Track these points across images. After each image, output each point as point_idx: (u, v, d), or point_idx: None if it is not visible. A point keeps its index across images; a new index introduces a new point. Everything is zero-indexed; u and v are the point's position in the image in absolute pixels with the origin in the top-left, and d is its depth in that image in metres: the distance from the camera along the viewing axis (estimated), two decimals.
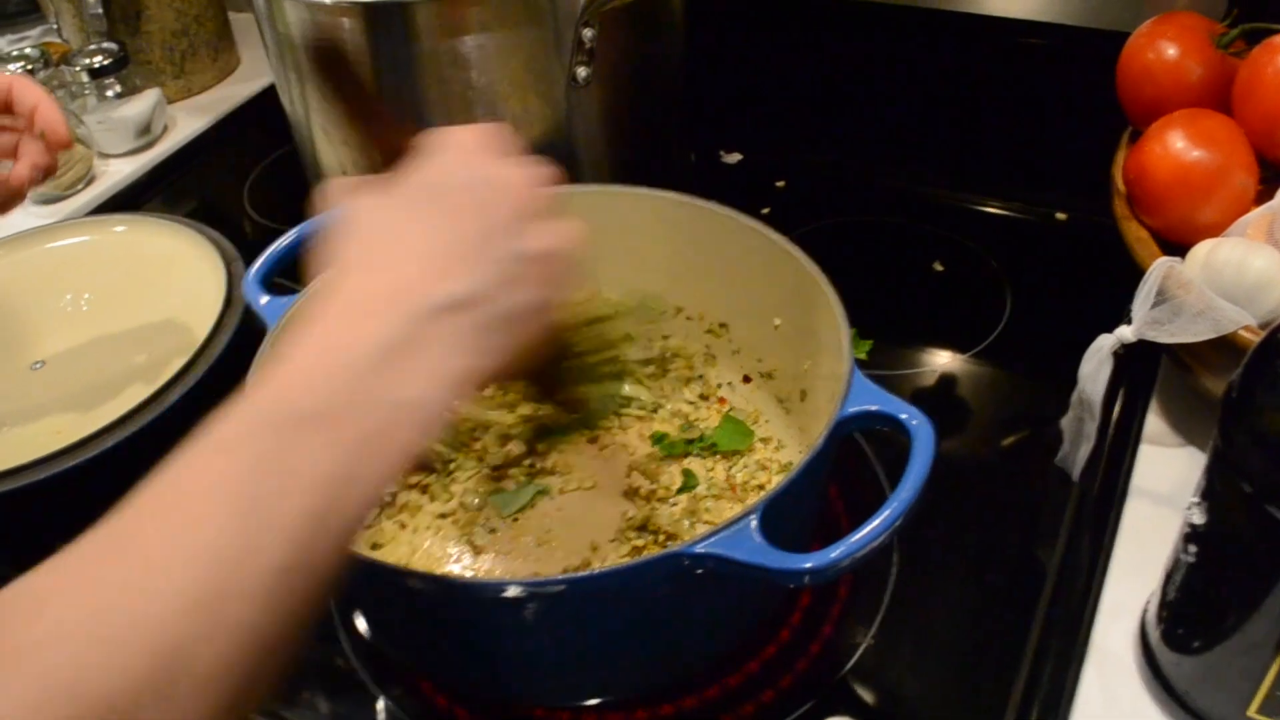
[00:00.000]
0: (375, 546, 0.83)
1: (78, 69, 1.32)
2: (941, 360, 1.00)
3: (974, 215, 1.19)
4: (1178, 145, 0.81)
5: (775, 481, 0.85)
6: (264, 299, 0.81)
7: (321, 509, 0.48)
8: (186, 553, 0.45)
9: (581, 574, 0.62)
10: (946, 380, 0.98)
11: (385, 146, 0.63)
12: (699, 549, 0.60)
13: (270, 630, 0.46)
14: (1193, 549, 0.62)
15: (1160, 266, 0.74)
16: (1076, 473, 0.83)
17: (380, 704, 0.77)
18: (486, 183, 0.59)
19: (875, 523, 0.59)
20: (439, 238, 0.57)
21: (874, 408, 0.67)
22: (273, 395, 0.51)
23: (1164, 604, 0.67)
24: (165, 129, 1.41)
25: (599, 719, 0.75)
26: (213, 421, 0.50)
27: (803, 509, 0.71)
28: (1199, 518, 0.61)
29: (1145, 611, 0.71)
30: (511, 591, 0.62)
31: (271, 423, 0.50)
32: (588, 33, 0.91)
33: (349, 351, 0.53)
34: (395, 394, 0.52)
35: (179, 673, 0.43)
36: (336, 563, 0.50)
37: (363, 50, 0.92)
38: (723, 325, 0.92)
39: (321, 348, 0.53)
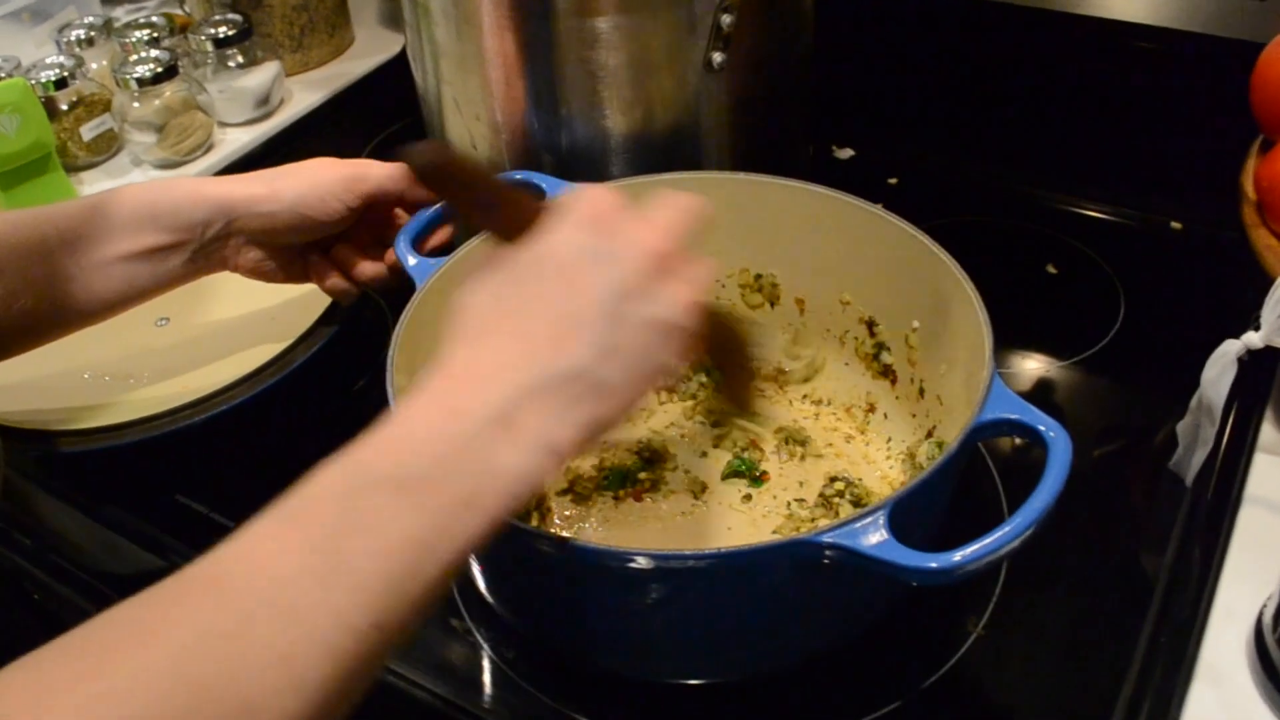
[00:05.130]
0: None
1: (203, 38, 1.36)
2: (1056, 362, 1.00)
3: (1087, 220, 1.18)
4: None
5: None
6: (412, 260, 0.83)
7: (401, 573, 0.49)
8: (263, 609, 0.46)
9: (706, 552, 0.63)
10: (1061, 383, 0.98)
11: (510, 225, 0.62)
12: (827, 538, 0.60)
13: (338, 688, 0.47)
14: None
15: None
16: (1190, 478, 0.83)
17: (490, 665, 0.79)
18: (608, 248, 0.58)
19: (1005, 530, 0.59)
20: (553, 309, 0.57)
21: (1013, 416, 0.67)
22: (365, 459, 0.52)
23: None
24: (283, 101, 1.43)
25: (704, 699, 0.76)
26: (313, 475, 0.51)
27: (930, 511, 0.71)
28: None
29: (1261, 616, 0.71)
30: (637, 563, 0.63)
31: (360, 485, 0.51)
32: (726, 19, 0.92)
33: (449, 421, 0.53)
34: (490, 463, 0.53)
35: None
36: (411, 626, 0.51)
37: (505, 27, 0.94)
38: (872, 322, 0.91)
39: (422, 416, 0.54)
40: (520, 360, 0.56)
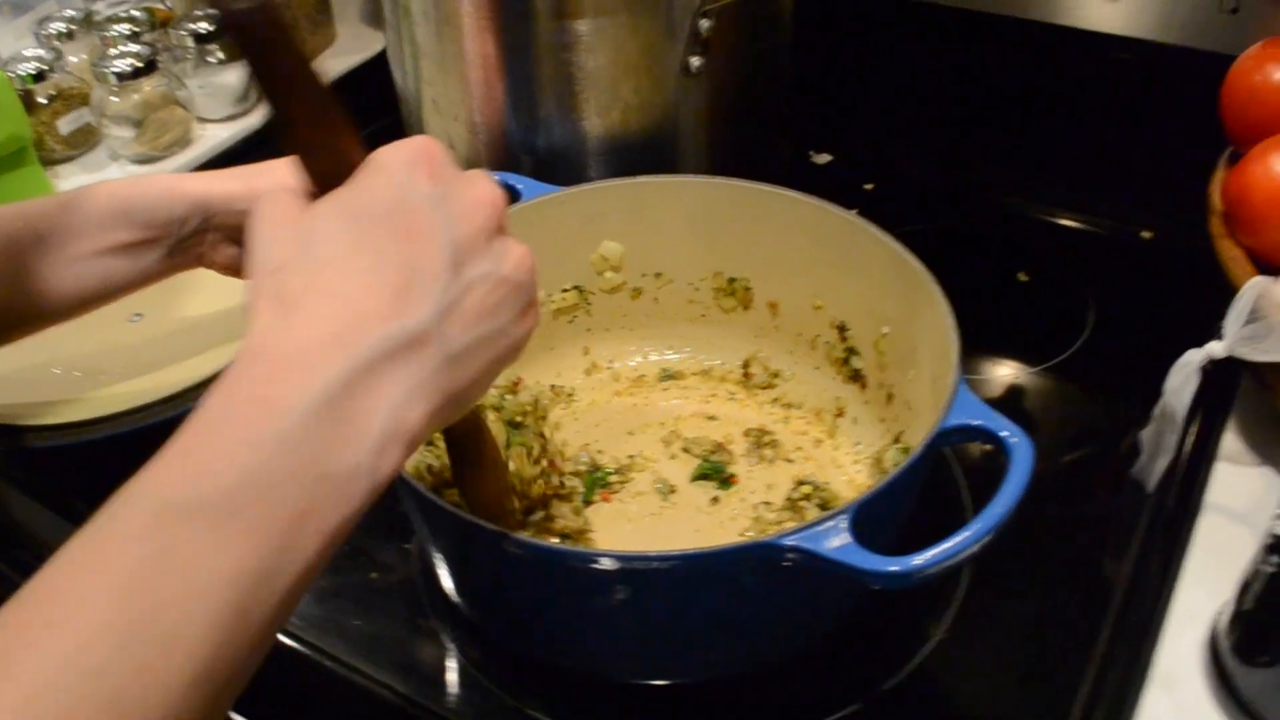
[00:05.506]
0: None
1: (183, 33, 1.35)
2: (1026, 369, 1.00)
3: (1059, 229, 1.19)
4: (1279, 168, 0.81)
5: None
6: None
7: (226, 616, 0.42)
8: (66, 681, 0.38)
9: (669, 553, 0.63)
10: (1031, 389, 0.99)
11: (331, 152, 0.53)
12: (789, 541, 0.61)
13: None
14: (1275, 559, 0.63)
15: (1255, 285, 0.75)
16: (1152, 485, 0.84)
17: (455, 665, 0.79)
18: (446, 198, 0.52)
19: (964, 535, 0.60)
20: (389, 263, 0.49)
21: (976, 422, 0.67)
22: (175, 477, 0.44)
23: (1238, 615, 0.68)
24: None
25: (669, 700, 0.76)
26: (106, 508, 0.43)
27: (894, 515, 0.72)
28: None
29: (1216, 623, 0.72)
30: (601, 564, 0.64)
31: (172, 512, 0.43)
32: (704, 24, 0.93)
33: (262, 419, 0.45)
34: (323, 467, 0.45)
35: None
36: (252, 667, 0.44)
37: (485, 29, 0.94)
38: (843, 327, 0.92)
39: (228, 416, 0.46)
40: (350, 326, 0.47)
